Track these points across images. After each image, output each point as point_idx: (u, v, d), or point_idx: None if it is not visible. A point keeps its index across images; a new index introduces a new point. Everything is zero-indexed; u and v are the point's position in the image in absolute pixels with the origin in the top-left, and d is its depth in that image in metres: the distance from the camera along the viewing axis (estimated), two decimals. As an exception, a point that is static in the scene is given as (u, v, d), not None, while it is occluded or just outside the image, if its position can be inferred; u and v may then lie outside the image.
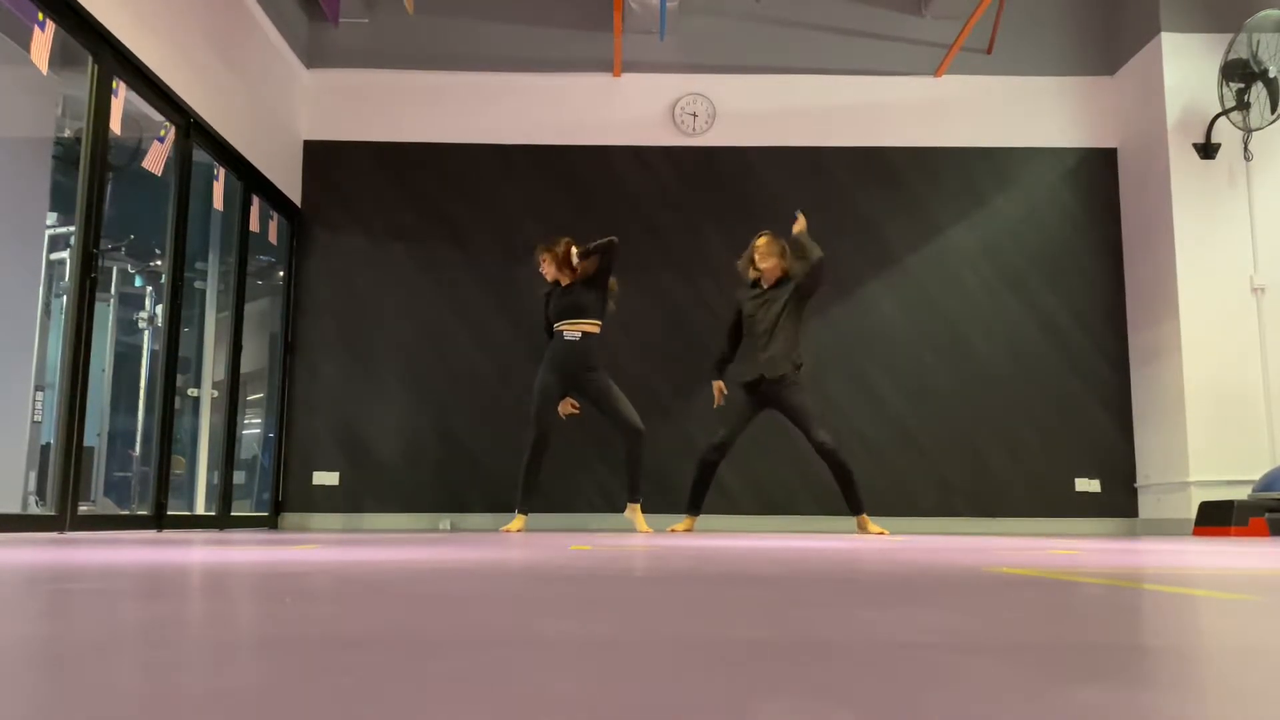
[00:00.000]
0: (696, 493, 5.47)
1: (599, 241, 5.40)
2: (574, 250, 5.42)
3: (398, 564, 1.96)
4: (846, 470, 5.23)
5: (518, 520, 5.33)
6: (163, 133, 5.06)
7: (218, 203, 5.55)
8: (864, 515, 5.34)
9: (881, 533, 5.31)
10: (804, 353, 5.39)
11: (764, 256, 5.39)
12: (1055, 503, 6.46)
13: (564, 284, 5.45)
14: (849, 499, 5.30)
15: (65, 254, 4.77)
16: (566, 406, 5.52)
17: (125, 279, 5.79)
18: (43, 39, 3.94)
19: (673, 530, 5.46)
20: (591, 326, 5.37)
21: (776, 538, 4.39)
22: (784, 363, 5.27)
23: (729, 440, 5.41)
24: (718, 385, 5.56)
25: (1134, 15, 6.57)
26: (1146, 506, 6.40)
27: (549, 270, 5.47)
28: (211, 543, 3.25)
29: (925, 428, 6.52)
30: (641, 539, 4.06)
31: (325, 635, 0.87)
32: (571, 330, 5.35)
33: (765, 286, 5.43)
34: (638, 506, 5.42)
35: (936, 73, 6.84)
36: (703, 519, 6.26)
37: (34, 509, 4.46)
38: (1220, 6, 6.25)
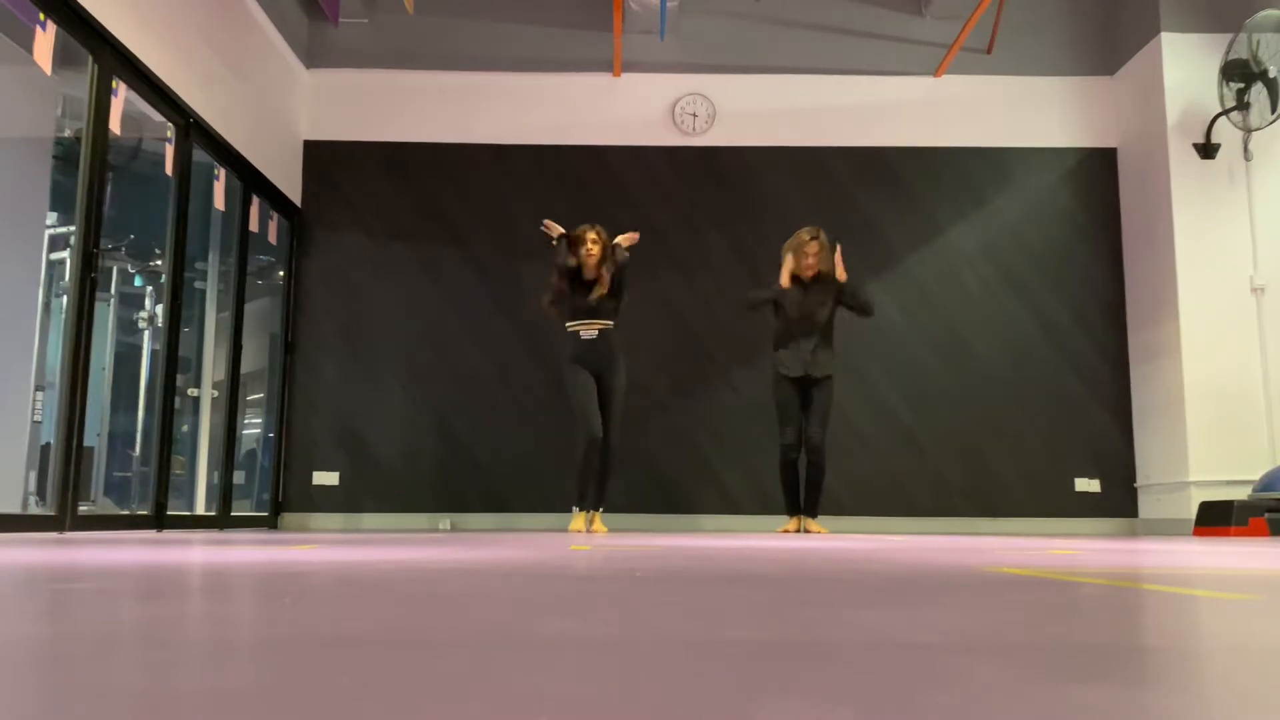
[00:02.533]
0: (791, 495, 5.51)
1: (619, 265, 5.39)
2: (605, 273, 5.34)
3: (398, 564, 1.96)
4: (822, 472, 5.42)
5: (579, 518, 5.31)
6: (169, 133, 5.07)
7: (218, 202, 5.56)
8: (815, 520, 5.48)
9: (821, 530, 5.48)
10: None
11: (809, 250, 5.45)
12: (1055, 503, 6.46)
13: (587, 278, 5.36)
14: (810, 498, 5.45)
15: (65, 254, 4.76)
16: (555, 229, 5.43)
17: (125, 279, 5.79)
18: (44, 39, 3.95)
19: (784, 530, 5.52)
20: (608, 325, 5.35)
21: (776, 538, 4.39)
22: (831, 364, 5.46)
23: (795, 437, 5.43)
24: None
25: (1134, 15, 6.57)
26: (1146, 506, 6.39)
27: (595, 253, 5.32)
28: (211, 543, 3.25)
29: (925, 428, 6.52)
30: (644, 539, 4.06)
31: (325, 635, 0.87)
32: (589, 330, 5.31)
33: (806, 280, 5.49)
34: (598, 514, 5.37)
35: (936, 73, 6.83)
36: (702, 519, 6.27)
37: (34, 509, 4.45)
38: (1220, 6, 6.25)
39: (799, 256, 5.46)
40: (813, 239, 5.47)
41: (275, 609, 1.10)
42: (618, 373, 5.34)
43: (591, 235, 5.36)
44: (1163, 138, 6.23)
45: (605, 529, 5.47)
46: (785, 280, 5.50)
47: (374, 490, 6.46)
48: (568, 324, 5.39)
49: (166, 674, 0.66)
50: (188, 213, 5.20)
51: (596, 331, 5.30)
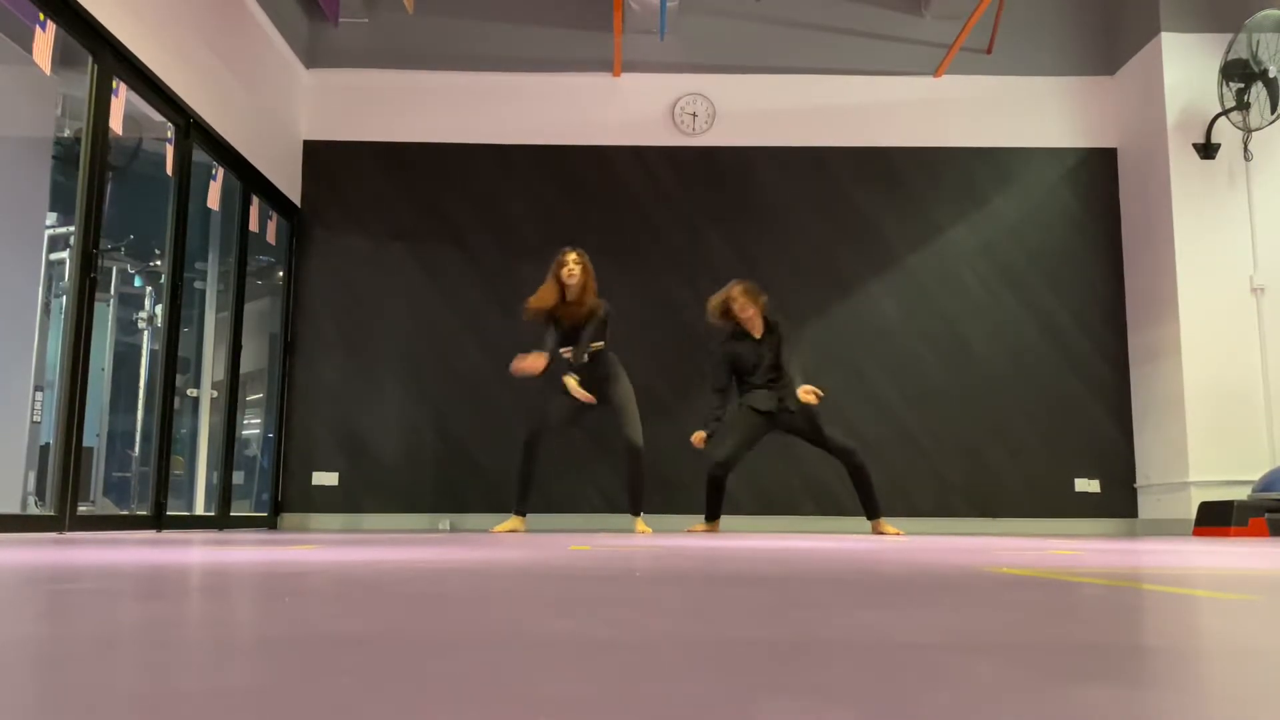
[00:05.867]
0: (712, 503, 5.48)
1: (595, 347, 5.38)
2: (590, 346, 5.35)
3: (397, 564, 1.96)
4: (865, 473, 5.32)
5: (510, 521, 5.36)
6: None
7: (212, 202, 5.54)
8: (881, 519, 5.40)
9: (897, 534, 5.35)
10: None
11: (744, 307, 5.35)
12: (1055, 503, 6.46)
13: (570, 299, 5.34)
14: (865, 502, 5.37)
15: (65, 254, 4.76)
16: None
17: (125, 279, 5.79)
18: (44, 39, 3.95)
19: (691, 531, 5.50)
20: (599, 345, 5.39)
21: (776, 538, 4.39)
22: (793, 391, 5.30)
23: (735, 458, 5.39)
24: (700, 436, 5.38)
25: (1134, 15, 6.57)
26: (1146, 507, 6.39)
27: (578, 280, 5.28)
28: (211, 543, 3.24)
29: (925, 428, 6.52)
30: (641, 539, 4.06)
31: (325, 635, 0.87)
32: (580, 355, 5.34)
33: (756, 336, 5.41)
34: (639, 519, 5.43)
35: (936, 73, 6.83)
36: (702, 519, 6.26)
37: (33, 509, 4.45)
38: (1220, 6, 6.25)
39: (739, 311, 5.35)
40: (739, 286, 5.37)
41: (275, 609, 1.10)
42: (618, 380, 5.37)
43: (573, 257, 5.34)
44: (1163, 138, 6.23)
45: (649, 529, 5.47)
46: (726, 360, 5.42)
47: (374, 490, 6.46)
48: (561, 350, 5.37)
49: (166, 674, 0.66)
50: (187, 213, 5.20)
51: (586, 356, 5.34)
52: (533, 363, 5.21)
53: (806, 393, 5.12)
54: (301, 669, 0.68)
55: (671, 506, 6.29)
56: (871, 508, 5.38)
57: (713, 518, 5.52)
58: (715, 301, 5.44)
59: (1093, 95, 6.85)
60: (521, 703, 0.56)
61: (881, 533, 5.40)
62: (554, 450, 6.20)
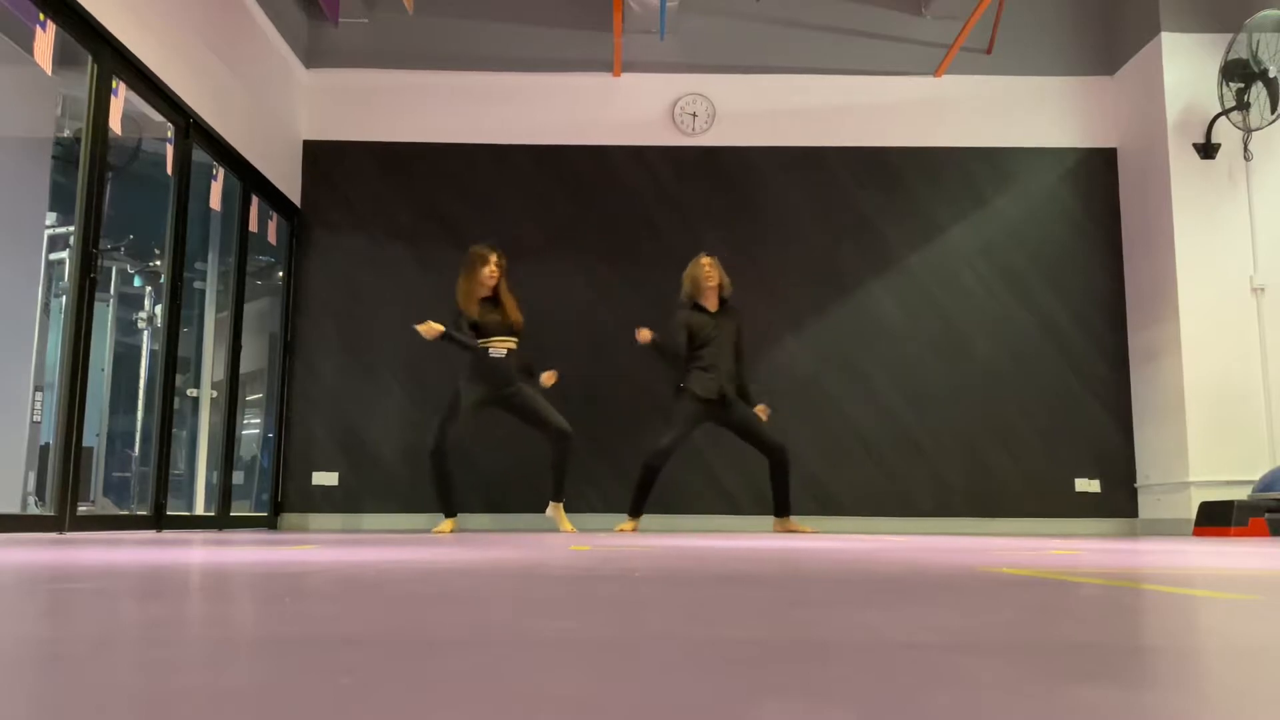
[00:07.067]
0: (640, 498, 5.56)
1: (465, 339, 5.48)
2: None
3: (396, 564, 1.96)
4: (786, 469, 5.54)
5: (447, 524, 5.43)
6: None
7: (214, 203, 5.55)
8: (790, 519, 5.64)
9: (811, 531, 5.63)
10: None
11: (709, 276, 5.63)
12: (1055, 503, 6.46)
13: (487, 297, 5.48)
14: (779, 499, 5.57)
15: (65, 254, 4.76)
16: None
17: (125, 279, 5.79)
18: (44, 39, 3.95)
19: (620, 530, 5.51)
20: (514, 344, 5.47)
21: (776, 538, 4.39)
22: (733, 384, 5.60)
23: (675, 448, 5.52)
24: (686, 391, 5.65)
25: (1134, 15, 6.57)
26: (1146, 506, 6.39)
27: (494, 276, 5.44)
28: (211, 543, 3.24)
29: (925, 428, 6.52)
30: (643, 539, 4.06)
31: (325, 635, 0.87)
32: (498, 349, 5.42)
33: (711, 310, 5.64)
34: (560, 506, 5.55)
35: (936, 73, 6.83)
36: (703, 519, 6.27)
37: (33, 509, 4.45)
38: (1220, 6, 6.25)
39: (705, 278, 5.61)
40: (708, 257, 5.69)
41: (275, 609, 1.10)
42: (516, 385, 5.45)
43: (494, 258, 5.48)
44: (1163, 138, 6.23)
45: (572, 526, 5.63)
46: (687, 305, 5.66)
47: (374, 490, 6.46)
48: (481, 340, 5.45)
49: (166, 674, 0.66)
50: (187, 213, 5.20)
51: (505, 351, 5.43)
52: (426, 328, 5.38)
53: (762, 410, 5.66)
54: (301, 669, 0.68)
55: (671, 507, 6.29)
56: (783, 505, 5.57)
57: (637, 514, 5.57)
58: (687, 271, 5.74)
59: (1093, 95, 6.85)
60: (522, 702, 0.56)
61: (790, 531, 5.57)
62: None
